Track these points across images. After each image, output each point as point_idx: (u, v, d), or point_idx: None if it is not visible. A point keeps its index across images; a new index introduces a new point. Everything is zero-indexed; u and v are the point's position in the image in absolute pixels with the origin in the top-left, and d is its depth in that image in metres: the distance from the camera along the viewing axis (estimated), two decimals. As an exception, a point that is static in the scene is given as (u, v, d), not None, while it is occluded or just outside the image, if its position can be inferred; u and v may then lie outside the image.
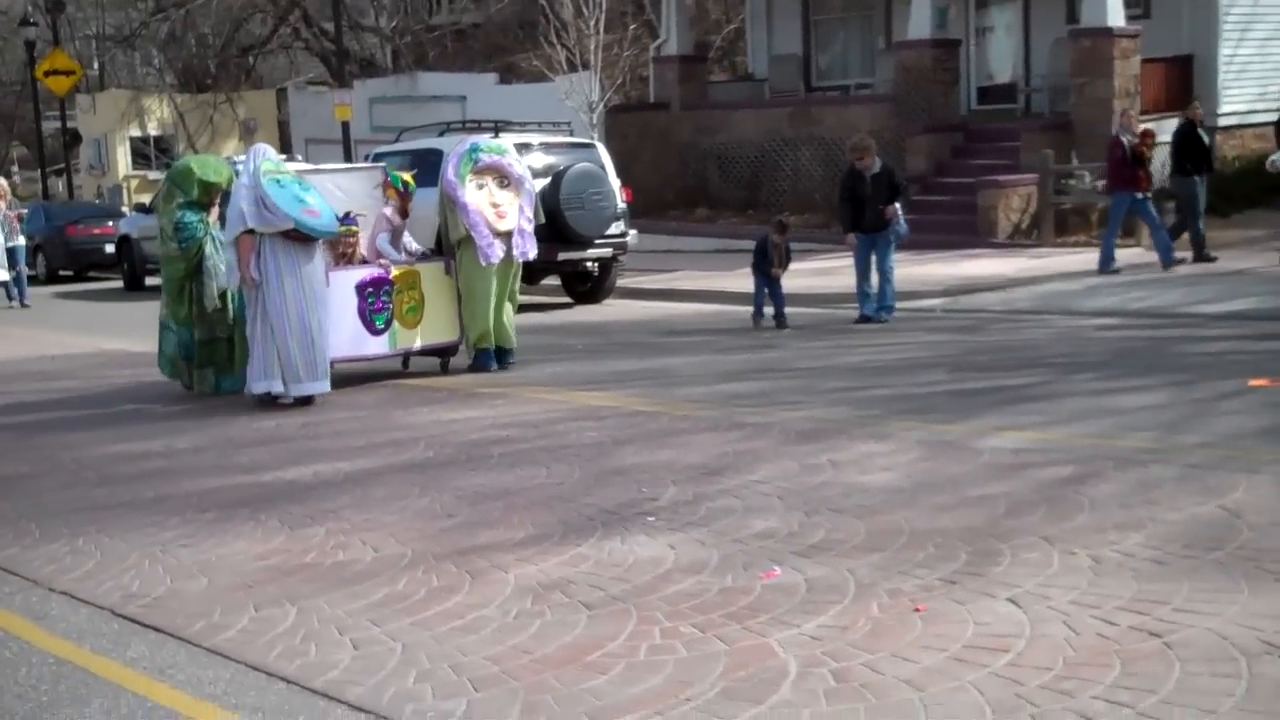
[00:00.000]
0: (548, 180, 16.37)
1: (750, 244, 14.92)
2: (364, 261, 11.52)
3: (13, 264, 20.81)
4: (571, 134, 18.72)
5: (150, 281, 23.58)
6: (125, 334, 16.04)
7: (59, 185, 39.09)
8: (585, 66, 23.68)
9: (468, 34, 37.82)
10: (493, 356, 11.77)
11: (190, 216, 11.15)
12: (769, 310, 13.81)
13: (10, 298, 20.65)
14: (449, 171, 11.54)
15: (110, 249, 24.72)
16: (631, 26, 27.86)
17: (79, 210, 28.08)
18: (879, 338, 12.81)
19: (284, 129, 36.14)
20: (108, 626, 5.55)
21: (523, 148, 17.06)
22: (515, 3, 35.63)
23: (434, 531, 6.65)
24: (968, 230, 19.64)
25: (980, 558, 5.65)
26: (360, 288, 11.15)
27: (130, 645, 5.31)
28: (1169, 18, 21.66)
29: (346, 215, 11.46)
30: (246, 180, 10.25)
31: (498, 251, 11.45)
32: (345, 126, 24.14)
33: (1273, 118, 22.19)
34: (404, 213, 11.82)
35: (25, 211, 22.72)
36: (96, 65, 44.18)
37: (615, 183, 17.73)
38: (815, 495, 6.85)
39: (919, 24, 22.37)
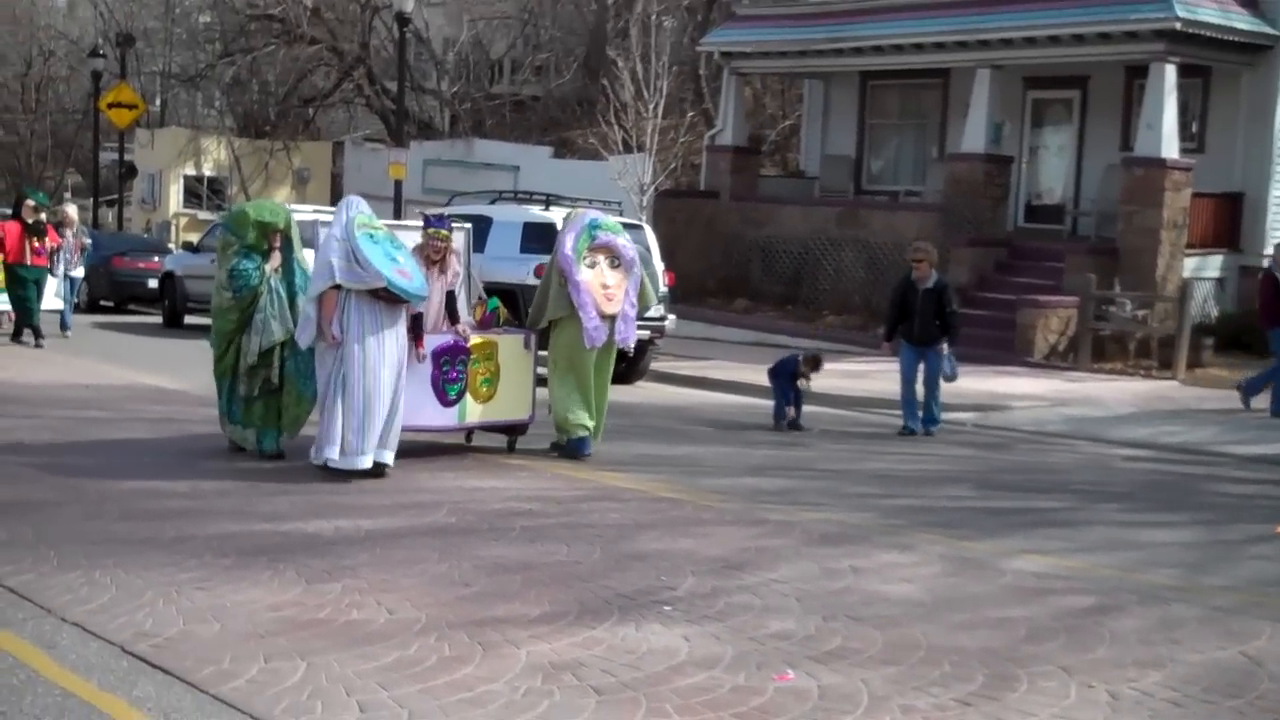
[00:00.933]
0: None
1: (784, 341, 14.93)
2: (454, 275, 10.76)
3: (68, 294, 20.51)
4: (621, 214, 18.85)
5: (190, 320, 23.80)
6: (160, 369, 16.14)
7: (109, 216, 39.57)
8: (640, 148, 23.91)
9: (526, 105, 38.27)
10: (587, 445, 11.02)
11: (246, 263, 10.34)
12: (790, 410, 13.63)
13: (63, 326, 20.16)
14: (566, 245, 10.91)
15: (154, 284, 24.91)
16: (690, 114, 28.15)
17: (127, 242, 28.36)
18: (906, 447, 12.77)
19: (336, 181, 36.55)
20: (117, 663, 5.55)
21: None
22: (576, 79, 36.11)
23: (450, 599, 6.64)
24: (1004, 347, 19.63)
25: (997, 681, 5.60)
26: (437, 355, 10.39)
27: (137, 684, 5.31)
28: (1222, 154, 21.75)
29: (440, 217, 10.87)
30: (338, 232, 9.59)
31: (603, 335, 10.90)
32: (398, 185, 24.41)
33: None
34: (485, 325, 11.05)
35: (90, 242, 21.99)
36: (159, 102, 44.92)
37: (659, 266, 17.81)
38: (834, 600, 6.81)
39: (973, 137, 22.52)
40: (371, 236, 9.61)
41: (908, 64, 24.16)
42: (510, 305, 12.78)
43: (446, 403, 10.50)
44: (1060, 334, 19.80)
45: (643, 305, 11.48)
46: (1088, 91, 23.55)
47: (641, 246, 17.43)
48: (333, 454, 9.55)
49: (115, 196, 37.74)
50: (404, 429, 9.98)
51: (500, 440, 11.22)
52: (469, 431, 11.18)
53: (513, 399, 10.94)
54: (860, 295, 22.96)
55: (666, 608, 6.58)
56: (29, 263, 18.56)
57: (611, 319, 10.94)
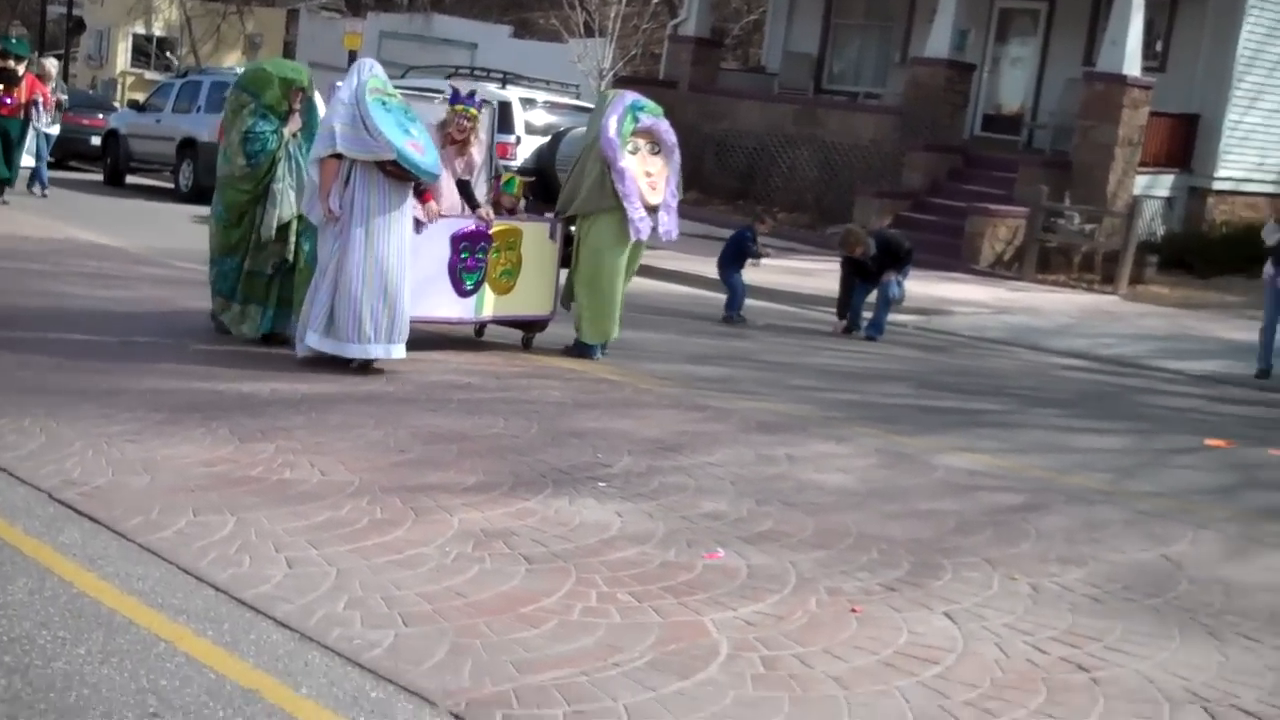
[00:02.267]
0: (546, 138, 16.29)
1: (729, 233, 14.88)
2: (473, 162, 9.84)
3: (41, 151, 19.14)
4: (579, 97, 18.63)
5: (132, 180, 23.39)
6: (100, 227, 15.88)
7: (33, 66, 38.57)
8: (602, 33, 23.56)
9: (487, -17, 37.59)
10: (598, 349, 10.29)
11: (263, 125, 9.25)
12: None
13: (32, 186, 18.97)
14: (610, 129, 9.84)
15: (96, 141, 24.43)
16: (653, 0, 27.75)
17: (71, 98, 27.74)
18: (849, 345, 12.82)
19: (289, 50, 35.83)
20: (43, 509, 5.49)
21: (527, 103, 17.03)
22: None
23: (384, 464, 6.62)
24: (951, 253, 19.66)
25: (922, 569, 5.67)
26: (455, 240, 9.45)
27: (63, 531, 5.26)
28: (1183, 74, 21.73)
29: (471, 94, 9.84)
30: (345, 95, 8.57)
31: (648, 226, 9.97)
32: (352, 55, 23.93)
33: (1267, 188, 22.42)
34: (500, 206, 10.11)
35: (65, 99, 20.58)
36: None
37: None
38: (768, 486, 6.85)
39: (938, 42, 22.36)
40: (384, 104, 8.60)
41: (876, -37, 23.88)
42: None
43: (463, 292, 9.60)
44: (1007, 243, 19.87)
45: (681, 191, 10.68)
46: (1056, 4, 23.40)
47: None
48: (313, 340, 8.67)
49: (61, 52, 36.80)
50: (414, 320, 9.00)
51: (513, 335, 10.46)
52: (480, 326, 10.31)
53: (533, 293, 10.05)
54: (812, 194, 22.89)
55: (601, 484, 6.60)
56: None
57: (654, 210, 10.02)
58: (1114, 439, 9.13)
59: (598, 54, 23.40)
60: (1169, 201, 21.78)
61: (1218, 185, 21.89)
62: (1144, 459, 8.51)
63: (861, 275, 13.24)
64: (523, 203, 10.55)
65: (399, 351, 8.76)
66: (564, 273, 10.37)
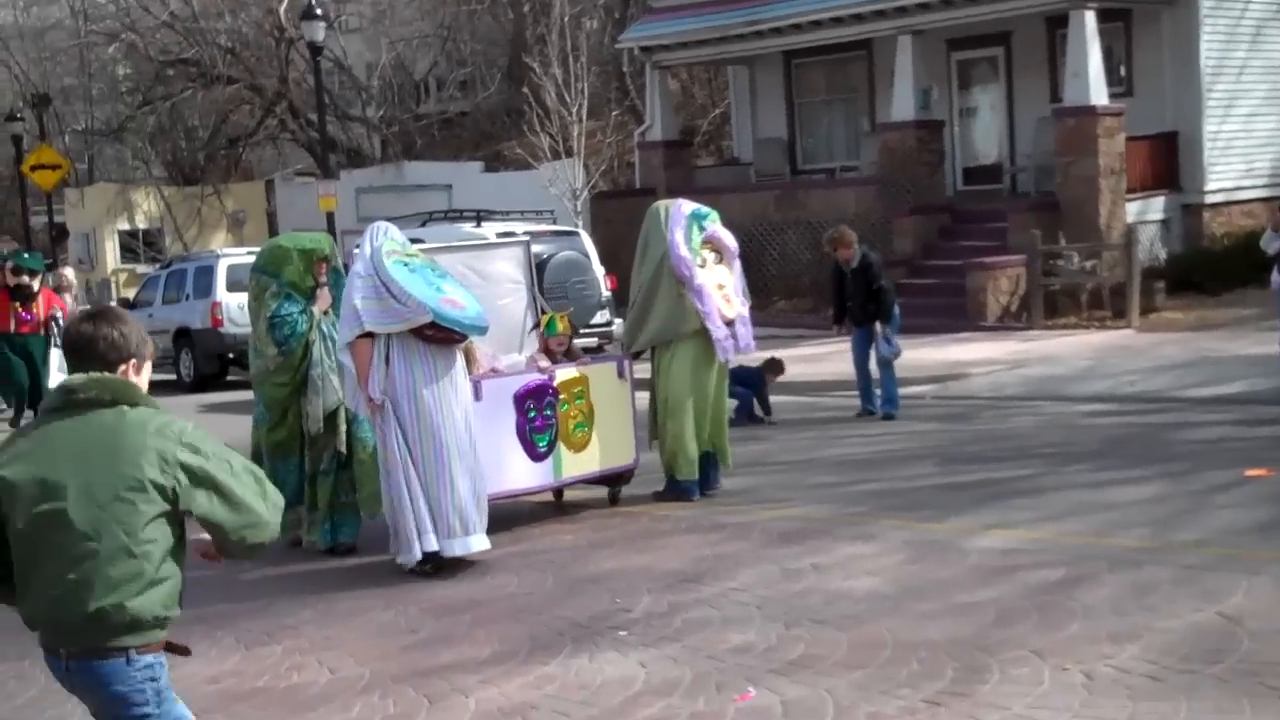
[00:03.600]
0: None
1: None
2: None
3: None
4: (555, 222, 18.58)
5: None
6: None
7: (49, 280, 38.92)
8: (568, 154, 23.62)
9: (455, 123, 37.89)
10: (696, 485, 9.26)
11: (289, 307, 8.32)
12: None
13: None
14: (679, 245, 9.00)
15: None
16: (614, 113, 27.88)
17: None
18: (866, 429, 12.52)
19: (273, 220, 36.07)
20: (42, 764, 5.22)
21: (505, 236, 16.93)
22: (502, 91, 35.75)
23: (395, 650, 6.34)
24: (957, 313, 19.42)
25: (967, 674, 5.34)
26: (519, 399, 8.47)
27: (63, 786, 4.98)
28: (1152, 95, 21.62)
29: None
30: (361, 268, 7.63)
31: (733, 343, 9.23)
32: (330, 217, 24.00)
33: (1259, 194, 22.17)
34: (550, 353, 9.15)
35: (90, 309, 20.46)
36: (87, 159, 44.25)
37: (599, 271, 17.55)
38: (796, 604, 6.54)
39: (902, 105, 22.33)
40: (406, 265, 7.69)
41: (829, 39, 23.94)
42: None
43: (537, 456, 8.56)
44: (1011, 294, 19.62)
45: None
46: (1011, 47, 23.39)
47: (579, 252, 17.22)
48: (428, 544, 7.55)
49: (51, 260, 37.13)
50: (492, 497, 8.05)
51: (599, 493, 9.37)
52: (559, 491, 9.27)
53: (612, 442, 9.00)
54: (808, 276, 22.70)
55: (622, 632, 6.30)
56: (14, 330, 16.16)
57: (731, 323, 9.23)
58: (1149, 487, 8.78)
59: (569, 174, 23.42)
60: (1165, 223, 21.54)
61: (1210, 199, 21.66)
62: (1183, 505, 8.15)
63: (841, 293, 12.93)
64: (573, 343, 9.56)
65: (481, 543, 7.72)
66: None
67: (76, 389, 3.67)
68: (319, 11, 24.65)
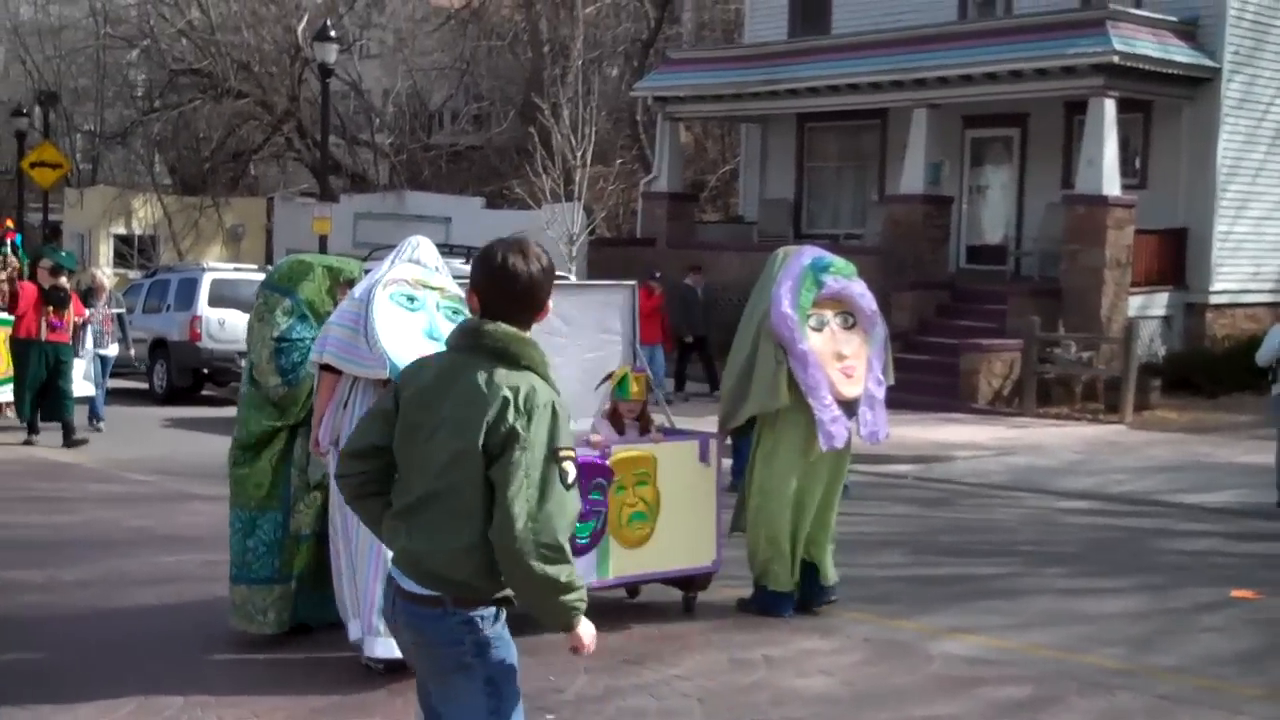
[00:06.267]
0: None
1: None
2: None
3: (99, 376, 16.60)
4: (547, 265, 18.16)
5: (112, 384, 22.86)
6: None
7: (78, 283, 38.57)
8: (569, 197, 23.30)
9: (465, 156, 37.63)
10: (791, 599, 7.63)
11: (302, 330, 6.97)
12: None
13: (93, 416, 16.44)
14: (783, 300, 7.41)
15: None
16: (619, 161, 27.58)
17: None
18: (843, 507, 12.04)
19: (270, 238, 35.75)
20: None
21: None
22: (514, 129, 35.50)
23: (302, 713, 5.87)
24: (948, 393, 19.01)
25: (913, 803, 4.88)
26: None
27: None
28: (1165, 189, 21.31)
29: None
30: (361, 289, 6.47)
31: (844, 432, 7.44)
32: (323, 240, 23.64)
33: (1265, 299, 21.83)
34: (618, 420, 7.58)
35: (123, 312, 17.68)
36: (93, 161, 43.99)
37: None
38: (740, 701, 6.08)
39: (912, 178, 22.02)
40: (412, 299, 6.39)
41: (844, 105, 23.67)
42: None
43: (575, 550, 6.98)
44: (1004, 378, 19.22)
45: (888, 378, 7.91)
46: (1027, 129, 23.12)
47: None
48: (354, 631, 6.41)
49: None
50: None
51: (670, 594, 7.80)
52: (633, 587, 7.79)
53: (684, 539, 7.42)
54: (801, 342, 22.31)
55: (549, 716, 5.85)
56: (44, 338, 14.87)
57: (851, 405, 7.51)
58: (1129, 600, 8.33)
59: (567, 218, 23.07)
60: (1166, 320, 21.17)
61: (1215, 299, 21.30)
62: (1163, 624, 7.71)
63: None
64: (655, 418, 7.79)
65: None
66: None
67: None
68: (333, 34, 24.39)
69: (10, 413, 15.89)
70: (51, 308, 14.84)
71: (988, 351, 19.15)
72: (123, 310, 17.82)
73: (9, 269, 17.75)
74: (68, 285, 15.44)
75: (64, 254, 17.24)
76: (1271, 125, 21.86)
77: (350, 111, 38.41)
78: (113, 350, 17.07)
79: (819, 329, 7.45)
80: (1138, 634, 7.40)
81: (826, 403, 7.33)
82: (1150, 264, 20.81)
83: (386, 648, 6.11)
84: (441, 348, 6.23)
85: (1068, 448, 15.60)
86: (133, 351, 17.12)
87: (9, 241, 18.75)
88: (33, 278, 15.67)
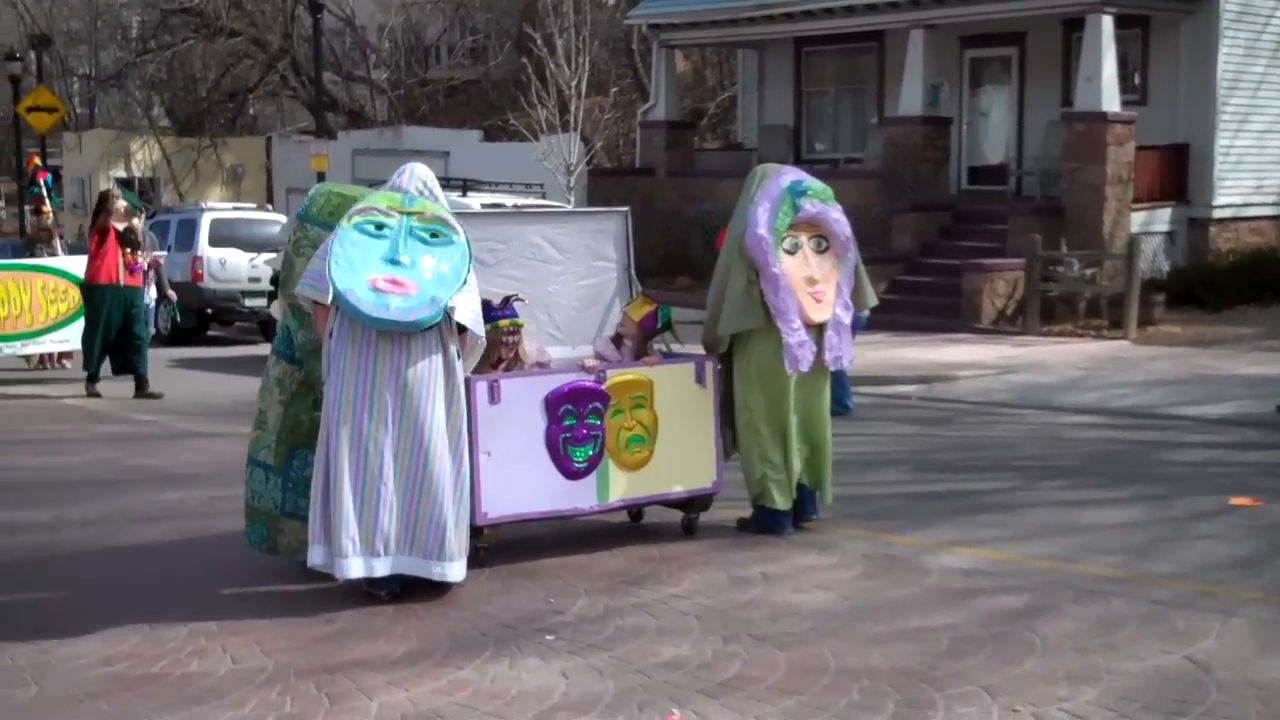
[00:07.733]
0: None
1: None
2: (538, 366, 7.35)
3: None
4: (544, 196, 18.13)
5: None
6: (73, 382, 15.33)
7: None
8: (565, 128, 23.17)
9: (462, 90, 37.38)
10: (788, 517, 7.73)
11: None
12: None
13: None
14: (760, 222, 7.38)
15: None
16: (615, 90, 27.38)
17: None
18: (843, 427, 12.07)
19: (269, 177, 35.62)
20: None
21: (491, 208, 16.49)
22: (510, 61, 35.22)
23: (306, 639, 5.91)
24: (951, 314, 18.99)
25: (909, 709, 4.93)
26: (551, 404, 7.04)
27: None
28: (1165, 105, 21.15)
29: (505, 301, 7.21)
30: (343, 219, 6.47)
31: (809, 356, 7.44)
32: (320, 177, 23.53)
33: (1268, 211, 21.72)
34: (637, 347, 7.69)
35: (162, 256, 16.88)
36: (91, 104, 43.75)
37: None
38: (738, 617, 6.12)
39: (910, 100, 21.87)
40: (380, 226, 6.32)
41: (841, 28, 23.45)
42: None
43: (572, 473, 7.11)
44: (1007, 298, 19.18)
45: (859, 304, 7.86)
46: (1025, 48, 22.91)
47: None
48: (315, 556, 6.41)
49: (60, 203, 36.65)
50: (512, 519, 7.03)
51: (670, 516, 7.80)
52: (636, 510, 7.85)
53: (683, 461, 7.46)
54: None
55: (549, 636, 5.88)
56: (122, 282, 13.95)
57: (819, 328, 7.53)
58: (1127, 510, 8.36)
59: (564, 149, 22.95)
60: (1169, 236, 21.08)
61: (1217, 214, 21.19)
62: (1161, 532, 7.73)
63: None
64: (659, 347, 7.80)
65: (451, 571, 6.37)
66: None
67: None
68: (324, -33, 24.18)
69: (68, 363, 15.53)
70: (128, 250, 14.02)
71: (990, 271, 19.10)
72: (160, 254, 17.09)
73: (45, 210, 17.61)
74: (139, 226, 14.68)
75: (133, 195, 16.24)
76: (1272, 37, 21.63)
77: (346, 48, 38.11)
78: (149, 297, 15.94)
79: (792, 252, 7.48)
80: (1135, 543, 7.43)
81: (795, 326, 7.38)
82: (1152, 180, 20.69)
83: (355, 568, 6.27)
84: (378, 271, 6.21)
85: (1071, 364, 15.59)
86: (172, 295, 16.73)
87: (41, 181, 18.71)
88: (94, 220, 14.46)
